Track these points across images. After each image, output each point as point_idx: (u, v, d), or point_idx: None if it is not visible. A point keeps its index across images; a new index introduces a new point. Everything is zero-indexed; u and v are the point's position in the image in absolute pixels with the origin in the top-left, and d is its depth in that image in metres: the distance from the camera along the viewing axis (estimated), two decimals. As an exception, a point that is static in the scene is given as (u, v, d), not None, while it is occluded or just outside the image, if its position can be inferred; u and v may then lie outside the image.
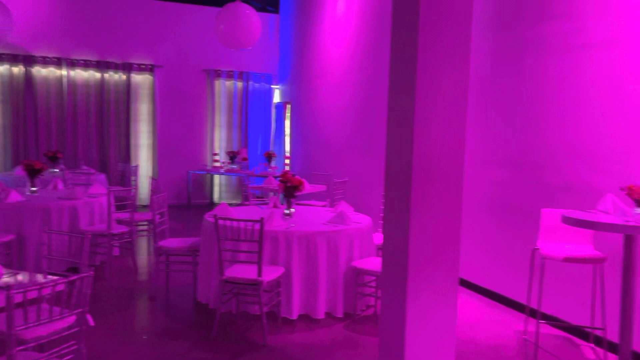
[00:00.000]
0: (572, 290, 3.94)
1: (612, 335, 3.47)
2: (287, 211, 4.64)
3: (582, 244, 3.66)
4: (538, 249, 3.56)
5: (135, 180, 8.63)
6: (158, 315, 4.30)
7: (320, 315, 4.07)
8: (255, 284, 3.59)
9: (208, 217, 4.38)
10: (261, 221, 3.55)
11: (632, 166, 3.52)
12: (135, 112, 9.82)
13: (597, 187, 3.73)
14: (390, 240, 2.56)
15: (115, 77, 9.60)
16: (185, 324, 4.04)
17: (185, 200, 10.02)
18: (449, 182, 2.45)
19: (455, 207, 2.48)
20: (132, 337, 3.81)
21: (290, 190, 4.63)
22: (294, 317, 4.02)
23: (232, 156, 9.87)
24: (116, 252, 5.72)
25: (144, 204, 9.36)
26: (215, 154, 10.29)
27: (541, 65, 4.29)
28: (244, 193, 7.78)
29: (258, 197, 9.34)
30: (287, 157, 10.25)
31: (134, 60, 9.68)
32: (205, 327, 3.92)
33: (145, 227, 6.57)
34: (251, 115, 10.72)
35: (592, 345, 3.75)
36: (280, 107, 10.81)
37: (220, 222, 3.70)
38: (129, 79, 9.64)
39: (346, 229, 4.19)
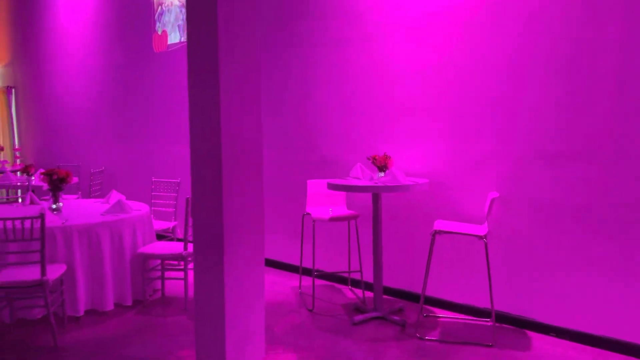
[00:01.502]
0: (332, 246, 4.73)
1: (367, 276, 4.36)
2: (54, 206, 4.31)
3: (338, 206, 4.45)
4: (309, 213, 4.20)
5: None
6: None
7: (109, 306, 3.97)
8: (39, 285, 3.33)
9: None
10: (42, 216, 3.29)
11: (372, 143, 4.41)
12: None
13: (347, 160, 4.55)
14: (203, 221, 2.76)
15: None
16: (-58, 347, 3.47)
17: None
18: (253, 164, 2.78)
19: (258, 187, 2.82)
20: None
21: (56, 184, 4.31)
22: (81, 313, 3.84)
23: (-58, 152, 8.26)
24: None
25: None
26: None
27: (307, 58, 4.92)
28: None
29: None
30: (18, 150, 9.06)
31: None
32: (-27, 344, 3.45)
33: None
34: (-37, 102, 9.09)
35: (350, 287, 4.61)
36: (3, 93, 9.41)
37: (-13, 223, 3.29)
38: None
39: (128, 217, 4.15)
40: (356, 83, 4.48)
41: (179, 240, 5.10)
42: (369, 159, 3.97)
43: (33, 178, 6.21)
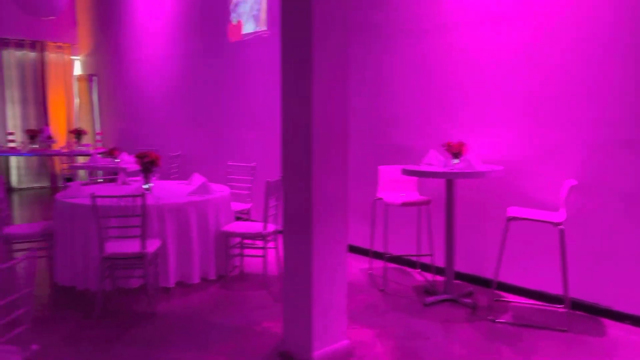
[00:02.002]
0: (401, 230, 4.87)
1: (438, 261, 4.48)
2: (145, 186, 4.68)
3: (410, 191, 4.58)
4: (381, 198, 4.36)
5: None
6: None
7: (196, 280, 4.31)
8: (140, 257, 3.68)
9: (66, 199, 4.21)
10: (143, 195, 3.62)
11: (444, 130, 4.50)
12: None
13: (418, 146, 4.67)
14: (293, 201, 2.97)
15: None
16: (56, 310, 3.89)
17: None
18: (340, 149, 2.95)
19: (343, 169, 3.00)
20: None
21: (147, 166, 4.67)
22: (172, 284, 4.20)
23: (33, 135, 8.96)
24: None
25: None
26: (11, 134, 9.20)
27: (382, 47, 5.06)
28: (66, 174, 7.32)
29: (67, 180, 8.75)
30: (99, 134, 9.69)
31: None
32: (81, 308, 3.85)
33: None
34: (50, 89, 9.78)
35: (419, 270, 4.75)
36: (85, 80, 10.06)
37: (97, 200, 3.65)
38: None
39: (213, 198, 4.46)
40: (430, 71, 4.57)
41: (254, 221, 5.39)
42: (443, 145, 4.07)
43: (118, 160, 6.68)
